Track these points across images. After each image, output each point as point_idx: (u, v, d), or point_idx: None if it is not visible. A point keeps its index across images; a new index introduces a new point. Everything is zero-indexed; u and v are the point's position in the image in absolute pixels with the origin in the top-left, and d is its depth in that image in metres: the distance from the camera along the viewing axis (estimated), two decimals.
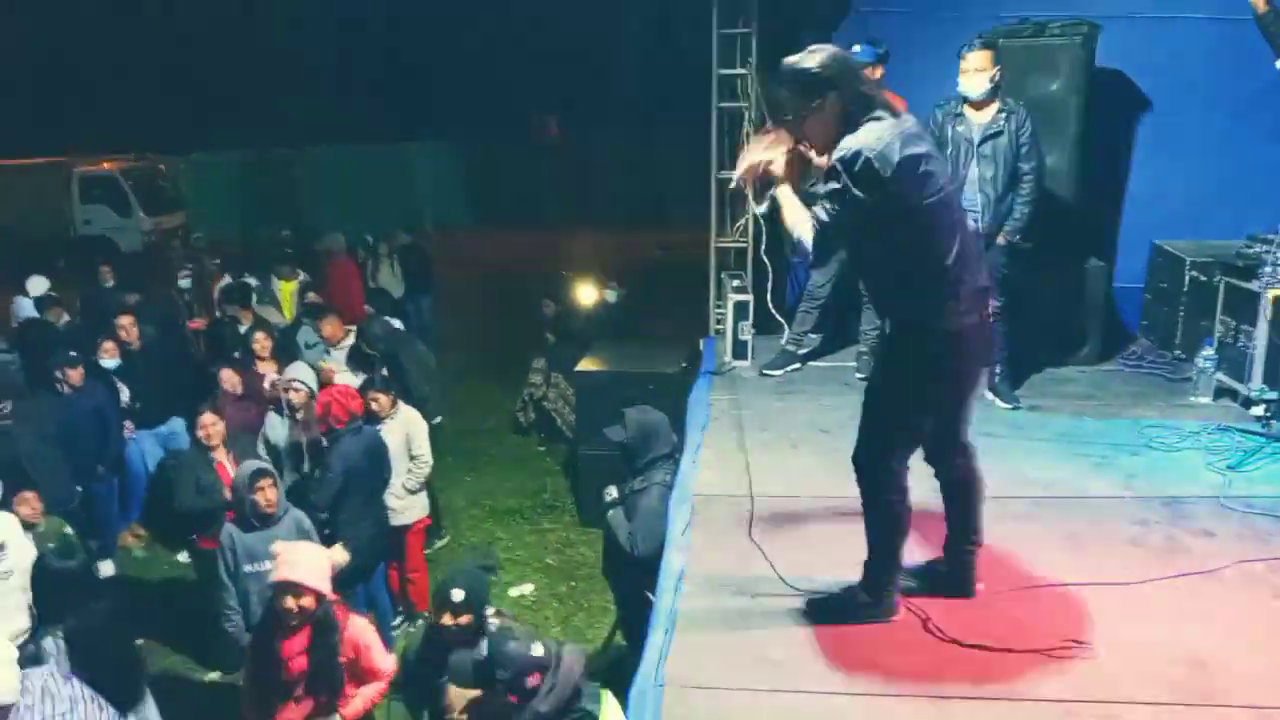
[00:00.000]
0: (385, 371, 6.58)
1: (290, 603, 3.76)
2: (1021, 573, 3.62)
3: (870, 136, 2.82)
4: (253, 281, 9.26)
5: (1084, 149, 5.80)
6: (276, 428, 6.08)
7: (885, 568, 3.29)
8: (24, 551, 4.71)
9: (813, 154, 2.97)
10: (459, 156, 24.18)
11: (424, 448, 5.93)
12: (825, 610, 3.34)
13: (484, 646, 3.31)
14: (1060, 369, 6.01)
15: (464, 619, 3.58)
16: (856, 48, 5.58)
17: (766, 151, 2.94)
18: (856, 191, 2.79)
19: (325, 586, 3.85)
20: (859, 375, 5.77)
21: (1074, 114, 5.76)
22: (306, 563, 3.87)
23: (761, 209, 3.06)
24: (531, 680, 3.15)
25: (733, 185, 3.16)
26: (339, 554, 5.16)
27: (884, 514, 3.23)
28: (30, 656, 3.89)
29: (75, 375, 6.43)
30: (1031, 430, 5.08)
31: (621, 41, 21.80)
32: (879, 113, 2.88)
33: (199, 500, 5.35)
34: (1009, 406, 5.38)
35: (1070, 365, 6.05)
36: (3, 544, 4.61)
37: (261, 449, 6.02)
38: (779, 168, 2.93)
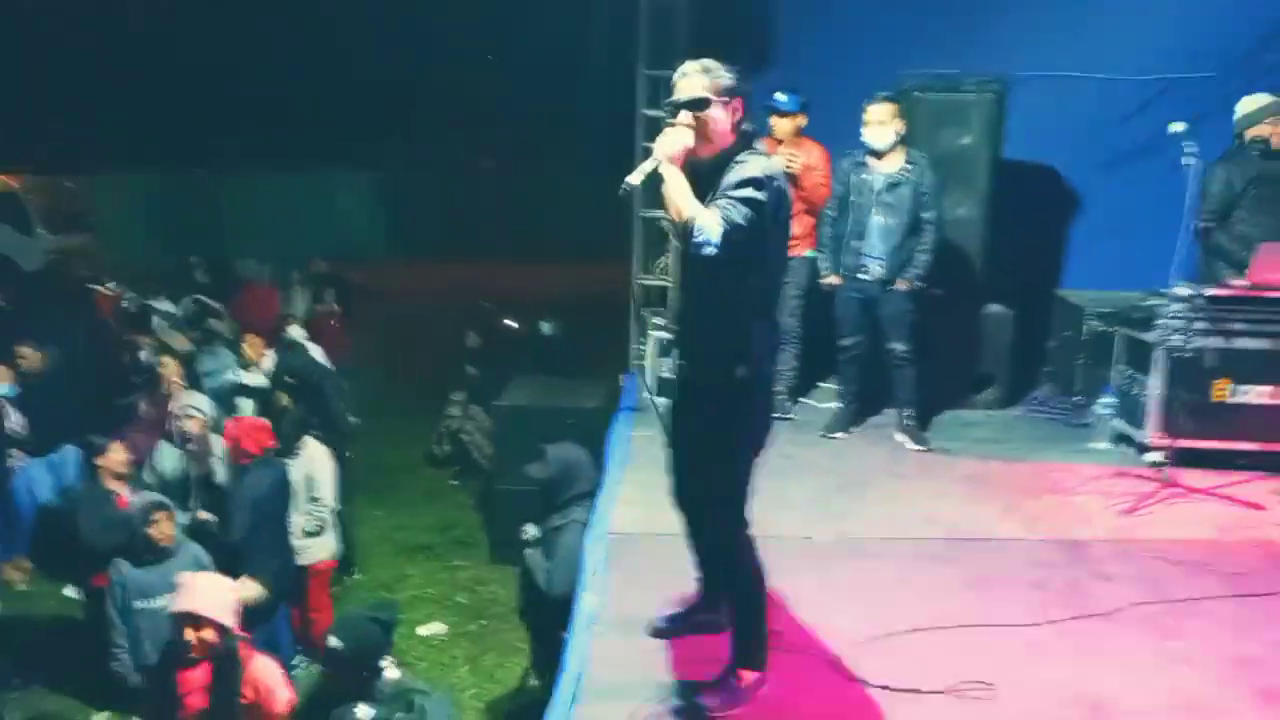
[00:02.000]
0: (303, 405, 6.46)
1: (189, 634, 3.62)
2: (928, 613, 3.67)
3: (775, 165, 2.90)
4: (161, 306, 8.95)
5: (993, 200, 6.01)
6: (167, 458, 5.85)
7: (761, 630, 3.15)
8: None
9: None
10: (381, 186, 23.86)
11: (325, 490, 5.76)
12: (721, 699, 3.09)
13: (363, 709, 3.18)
14: (967, 412, 6.18)
15: (344, 672, 3.45)
16: (781, 96, 5.73)
17: (677, 134, 2.84)
18: (764, 210, 2.77)
19: (229, 620, 3.71)
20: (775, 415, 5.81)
21: (984, 166, 5.97)
22: (209, 593, 3.73)
23: (637, 180, 2.89)
24: None
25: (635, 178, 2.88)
26: (250, 588, 4.96)
27: (752, 578, 3.11)
28: None
29: None
30: (940, 472, 5.20)
31: (547, 78, 21.90)
32: (757, 145, 2.96)
33: (106, 536, 5.06)
34: (919, 448, 5.50)
35: (977, 409, 6.22)
36: None
37: (149, 478, 5.79)
38: (675, 148, 2.82)
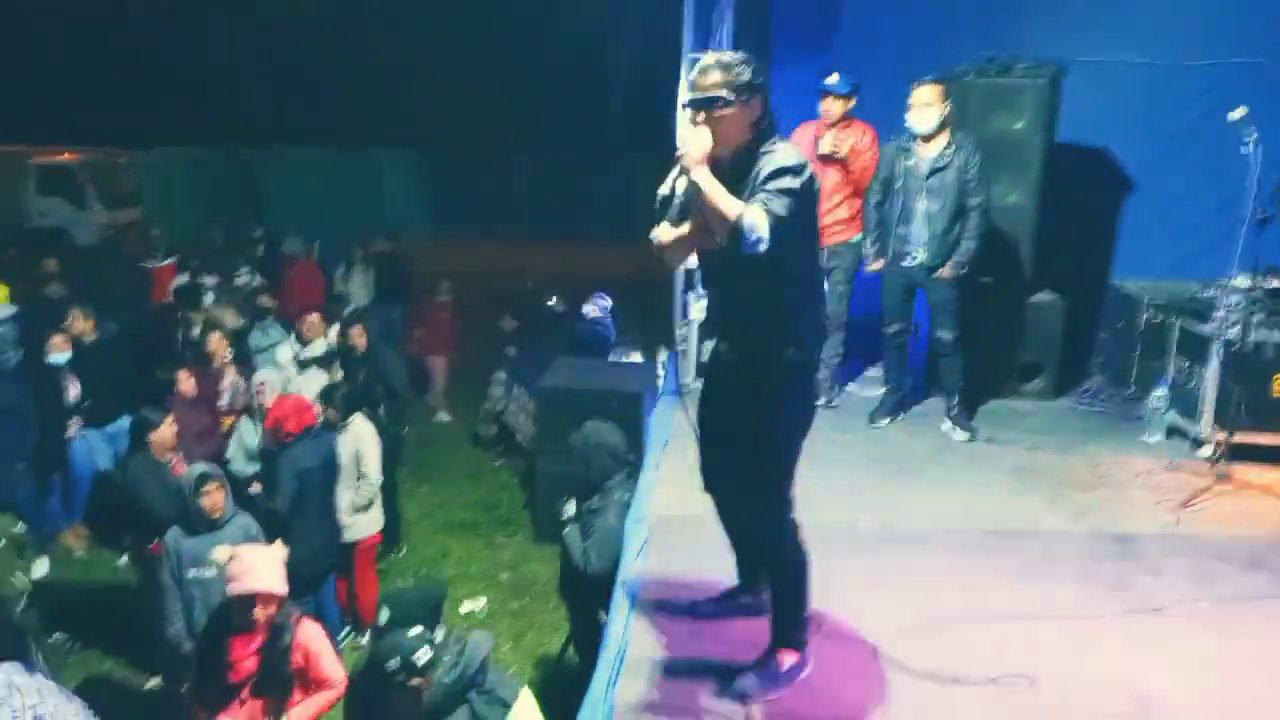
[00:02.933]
0: (363, 374, 6.61)
1: (259, 613, 3.72)
2: (972, 604, 3.65)
3: (801, 154, 2.89)
4: (210, 281, 9.09)
5: (1046, 186, 5.90)
6: (250, 433, 6.00)
7: (802, 611, 3.16)
8: None
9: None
10: (426, 164, 24.01)
11: (372, 466, 5.82)
12: (761, 682, 3.10)
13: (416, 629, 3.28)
14: (1015, 402, 6.09)
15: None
16: (833, 78, 5.66)
17: (698, 136, 2.84)
18: (801, 196, 2.79)
19: (284, 588, 3.80)
20: (820, 401, 5.79)
21: (1037, 152, 5.85)
22: (266, 568, 3.81)
23: (667, 189, 2.94)
24: (421, 654, 3.13)
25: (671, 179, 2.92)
26: (280, 549, 5.04)
27: (795, 560, 3.12)
28: None
29: None
30: (987, 463, 5.15)
31: (590, 60, 21.87)
32: (776, 137, 2.94)
33: (173, 504, 5.12)
34: (966, 438, 5.45)
35: (1026, 399, 6.13)
36: None
37: (238, 452, 5.93)
38: (699, 151, 2.80)
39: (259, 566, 3.80)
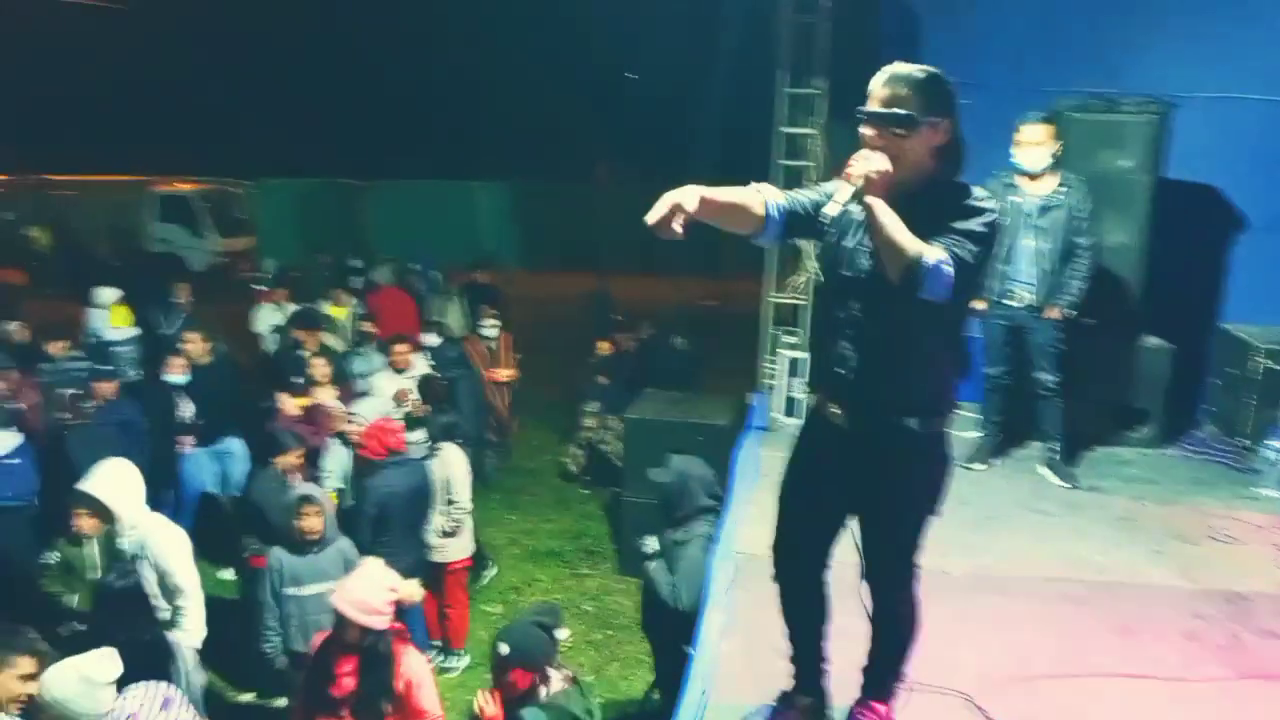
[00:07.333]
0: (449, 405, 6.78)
1: (353, 635, 3.82)
2: (1071, 658, 3.52)
3: (992, 196, 2.65)
4: (323, 309, 9.40)
5: (1153, 227, 5.72)
6: (341, 457, 6.19)
7: (905, 668, 3.05)
8: None
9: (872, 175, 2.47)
10: (518, 196, 24.48)
11: (462, 493, 5.94)
12: None
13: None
14: (1119, 449, 5.88)
15: (514, 676, 3.55)
16: None
17: (877, 159, 2.47)
18: (991, 244, 2.51)
19: (370, 620, 3.84)
20: None
21: (1144, 191, 5.69)
22: (356, 594, 3.89)
23: (835, 212, 2.53)
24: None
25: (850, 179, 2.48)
26: (412, 589, 5.08)
27: (914, 622, 2.96)
28: None
29: (105, 390, 6.60)
30: (1088, 511, 4.98)
31: (686, 93, 22.12)
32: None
33: (280, 513, 5.37)
34: (1067, 486, 5.28)
35: (1130, 446, 5.91)
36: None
37: (335, 470, 6.17)
38: (877, 176, 2.46)
39: (348, 588, 3.90)
